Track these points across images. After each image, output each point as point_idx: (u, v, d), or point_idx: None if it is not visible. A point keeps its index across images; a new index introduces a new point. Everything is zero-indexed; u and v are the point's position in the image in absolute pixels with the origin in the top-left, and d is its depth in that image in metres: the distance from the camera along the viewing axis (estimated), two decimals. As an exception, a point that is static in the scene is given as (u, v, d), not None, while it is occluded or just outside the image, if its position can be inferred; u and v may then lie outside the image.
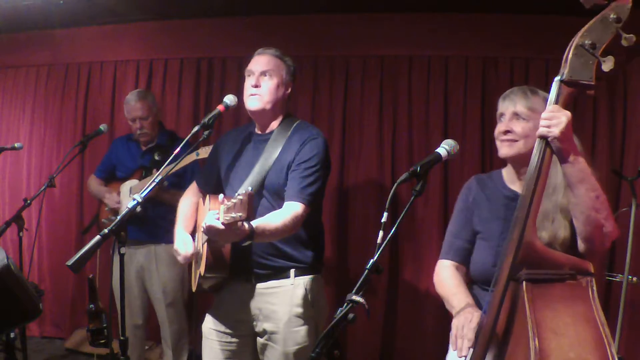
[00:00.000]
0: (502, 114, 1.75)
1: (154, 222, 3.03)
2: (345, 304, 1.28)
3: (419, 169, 1.46)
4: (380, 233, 1.36)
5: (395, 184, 1.42)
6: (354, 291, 1.29)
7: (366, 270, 1.33)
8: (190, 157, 2.87)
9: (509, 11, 3.45)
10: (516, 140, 1.70)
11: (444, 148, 1.57)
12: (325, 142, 2.11)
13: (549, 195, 1.59)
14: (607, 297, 3.32)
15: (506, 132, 1.71)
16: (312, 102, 3.76)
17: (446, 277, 1.81)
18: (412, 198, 1.44)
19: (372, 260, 1.34)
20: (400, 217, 1.40)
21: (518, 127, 1.69)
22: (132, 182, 3.16)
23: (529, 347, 1.24)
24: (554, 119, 1.40)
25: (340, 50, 3.75)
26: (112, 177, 3.32)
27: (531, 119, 1.67)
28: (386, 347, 3.64)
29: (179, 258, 2.09)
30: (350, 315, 1.26)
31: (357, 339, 3.59)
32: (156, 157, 3.13)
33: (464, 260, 1.83)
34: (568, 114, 1.41)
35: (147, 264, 3.14)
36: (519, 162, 1.72)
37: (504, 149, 1.73)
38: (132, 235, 3.11)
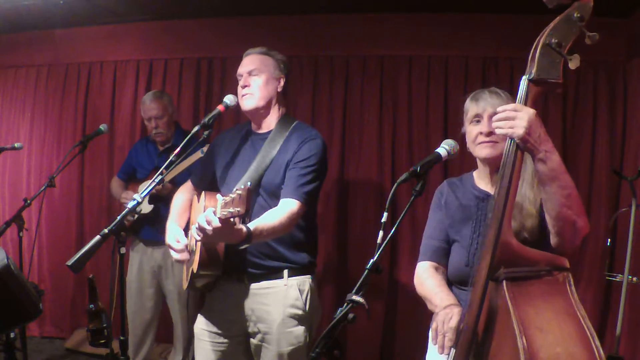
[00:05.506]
0: (478, 115, 1.74)
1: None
2: (345, 304, 1.28)
3: (419, 169, 1.47)
4: (380, 233, 1.36)
5: (395, 184, 1.42)
6: (354, 291, 1.29)
7: (366, 270, 1.33)
8: (197, 155, 2.89)
9: (509, 11, 3.44)
10: (497, 142, 1.69)
11: (444, 148, 1.58)
12: (324, 143, 2.11)
13: (518, 186, 1.56)
14: (607, 297, 3.33)
15: (489, 133, 1.69)
16: (312, 102, 3.76)
17: (426, 278, 1.80)
18: (412, 198, 1.44)
19: (372, 260, 1.34)
20: (400, 217, 1.40)
21: None
22: (148, 183, 3.16)
23: (517, 346, 1.23)
24: (516, 118, 1.38)
25: (340, 50, 3.75)
26: (133, 179, 3.35)
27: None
28: (386, 347, 3.64)
29: (174, 254, 2.03)
30: (350, 315, 1.27)
31: (357, 339, 3.59)
32: (172, 158, 3.14)
33: (442, 260, 1.82)
34: (531, 111, 1.39)
35: (165, 263, 3.16)
36: (498, 163, 1.67)
37: (487, 150, 1.72)
38: (148, 235, 3.16)
